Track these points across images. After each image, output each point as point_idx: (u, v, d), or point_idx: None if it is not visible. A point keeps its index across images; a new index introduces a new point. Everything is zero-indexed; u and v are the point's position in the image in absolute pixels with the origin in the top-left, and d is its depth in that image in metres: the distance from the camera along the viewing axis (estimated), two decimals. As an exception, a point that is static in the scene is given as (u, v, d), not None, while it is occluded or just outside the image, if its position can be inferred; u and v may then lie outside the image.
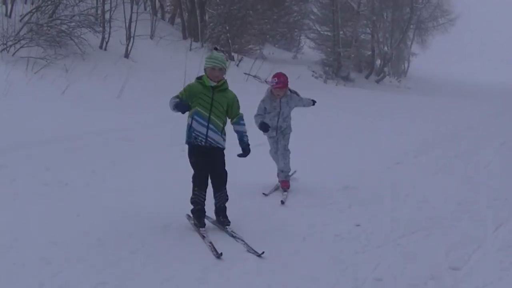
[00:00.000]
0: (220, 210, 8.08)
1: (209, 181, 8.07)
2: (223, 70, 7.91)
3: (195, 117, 7.85)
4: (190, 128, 7.90)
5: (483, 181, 11.75)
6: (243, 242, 7.37)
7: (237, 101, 8.12)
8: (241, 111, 8.16)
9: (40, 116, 13.68)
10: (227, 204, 8.10)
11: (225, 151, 8.07)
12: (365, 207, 9.46)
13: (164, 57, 25.12)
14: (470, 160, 13.91)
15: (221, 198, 8.06)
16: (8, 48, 17.97)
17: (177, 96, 7.88)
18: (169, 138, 13.69)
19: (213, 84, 7.84)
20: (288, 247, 7.38)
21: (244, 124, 8.16)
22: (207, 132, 7.85)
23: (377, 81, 45.49)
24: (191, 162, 8.03)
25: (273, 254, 7.08)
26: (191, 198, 8.00)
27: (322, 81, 35.58)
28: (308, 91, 26.46)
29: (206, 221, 8.04)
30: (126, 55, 23.08)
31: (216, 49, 8.18)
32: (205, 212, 8.02)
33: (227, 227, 7.92)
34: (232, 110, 8.04)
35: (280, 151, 10.36)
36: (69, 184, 9.59)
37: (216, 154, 7.97)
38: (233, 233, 7.71)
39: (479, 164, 13.50)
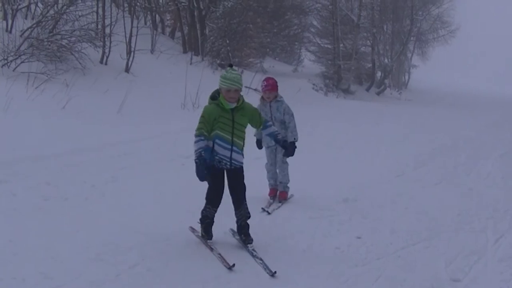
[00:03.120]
0: (242, 228, 7.94)
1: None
2: (239, 91, 7.71)
3: (217, 141, 7.65)
4: (212, 151, 7.67)
5: (483, 192, 11.76)
6: (261, 261, 7.23)
7: (259, 112, 8.10)
8: None
9: (41, 130, 13.69)
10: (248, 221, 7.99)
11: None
12: (366, 219, 9.47)
13: (165, 71, 25.16)
14: (470, 171, 13.91)
15: (242, 215, 7.91)
16: (8, 63, 18.00)
17: (200, 132, 7.53)
18: (169, 152, 13.72)
19: (232, 106, 7.65)
20: (288, 259, 7.38)
21: (271, 126, 8.18)
22: (231, 154, 7.70)
23: (378, 93, 45.45)
24: (208, 181, 7.75)
25: (273, 266, 7.06)
26: (202, 211, 7.94)
27: (322, 94, 35.56)
28: (309, 104, 26.62)
29: (234, 238, 8.03)
30: (127, 70, 23.11)
31: (231, 66, 8.00)
32: (212, 225, 7.95)
33: (249, 245, 7.76)
34: (255, 120, 7.95)
35: (278, 164, 10.43)
36: (69, 199, 9.59)
37: (236, 173, 7.85)
38: (253, 252, 7.55)
39: (479, 175, 13.51)
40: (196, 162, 7.45)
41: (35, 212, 8.75)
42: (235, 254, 7.54)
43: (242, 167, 7.89)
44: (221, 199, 7.90)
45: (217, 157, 7.68)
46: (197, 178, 7.51)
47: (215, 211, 7.92)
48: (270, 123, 8.19)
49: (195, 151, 7.49)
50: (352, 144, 17.37)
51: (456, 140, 19.28)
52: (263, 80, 10.49)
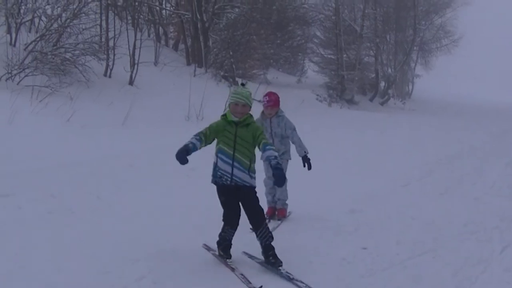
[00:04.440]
0: (268, 249, 7.60)
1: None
2: (246, 106, 7.62)
3: (220, 155, 7.60)
4: (215, 167, 7.65)
5: (489, 202, 11.72)
6: (304, 285, 6.96)
7: (262, 131, 7.74)
8: None
9: (45, 143, 13.72)
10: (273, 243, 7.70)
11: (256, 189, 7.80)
12: (372, 230, 9.44)
13: (168, 83, 25.20)
14: (476, 181, 13.88)
15: (264, 236, 7.61)
16: (13, 77, 18.07)
17: (200, 133, 7.63)
18: (174, 164, 13.67)
19: (235, 119, 7.58)
20: (294, 270, 7.34)
21: (270, 149, 7.51)
22: (232, 170, 7.55)
23: (382, 104, 45.47)
24: (220, 202, 7.76)
25: (280, 277, 7.05)
26: (220, 234, 7.76)
27: (326, 105, 35.59)
28: (312, 114, 26.62)
29: (253, 261, 7.80)
30: (131, 82, 23.17)
31: (243, 84, 7.88)
32: (230, 245, 7.75)
33: (280, 268, 7.41)
34: (257, 140, 7.60)
35: None
36: (74, 211, 9.59)
37: (245, 193, 7.66)
38: (288, 275, 7.24)
39: (485, 184, 13.48)
40: (176, 155, 7.53)
41: (41, 225, 8.75)
42: (255, 273, 7.45)
43: (251, 187, 7.68)
44: (238, 220, 7.73)
45: (219, 173, 7.61)
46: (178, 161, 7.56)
47: (233, 233, 7.74)
48: (270, 147, 7.57)
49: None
50: (356, 154, 17.35)
51: (461, 150, 19.25)
52: (265, 95, 10.16)
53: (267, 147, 7.54)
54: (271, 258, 7.56)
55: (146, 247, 7.95)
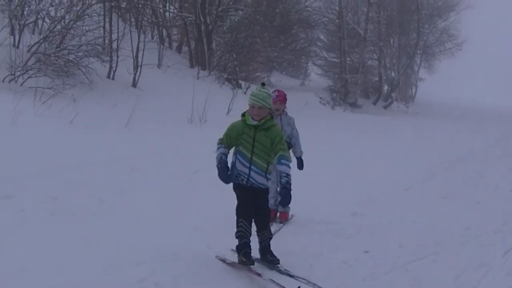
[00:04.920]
0: (266, 249, 7.78)
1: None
2: (263, 109, 7.51)
3: (238, 156, 7.61)
4: (233, 166, 7.64)
5: (491, 205, 11.73)
6: (306, 281, 7.02)
7: (281, 138, 7.59)
8: None
9: (48, 145, 13.71)
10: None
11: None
12: (373, 233, 9.46)
13: (172, 85, 25.20)
14: (478, 185, 13.89)
15: (265, 236, 7.78)
16: (16, 79, 18.07)
17: (220, 141, 7.66)
18: (177, 166, 13.72)
19: (254, 123, 7.52)
20: (295, 274, 7.34)
21: (285, 164, 7.43)
22: (249, 172, 7.55)
23: (385, 107, 45.46)
24: (236, 194, 7.74)
25: (279, 281, 7.05)
26: (236, 232, 7.64)
27: (329, 108, 35.60)
28: (315, 117, 26.63)
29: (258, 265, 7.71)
30: (134, 84, 23.17)
31: (263, 84, 7.83)
32: (250, 248, 7.62)
33: (278, 265, 7.57)
34: (274, 148, 7.52)
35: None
36: (77, 213, 9.58)
37: (258, 194, 7.69)
38: (288, 272, 7.36)
39: (487, 188, 13.48)
40: (218, 167, 7.51)
41: (43, 227, 8.74)
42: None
43: (266, 190, 7.74)
44: (251, 213, 7.69)
45: (236, 172, 7.61)
46: (222, 182, 7.61)
47: (250, 230, 7.66)
48: (285, 162, 7.45)
49: (216, 157, 7.56)
50: (359, 157, 17.36)
51: (464, 153, 19.26)
52: (273, 92, 10.22)
53: (282, 161, 7.45)
54: (269, 256, 7.72)
55: (148, 250, 7.94)
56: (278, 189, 8.16)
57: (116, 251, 7.81)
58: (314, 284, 6.80)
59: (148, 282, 6.87)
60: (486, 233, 9.59)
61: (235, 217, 7.67)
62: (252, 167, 7.53)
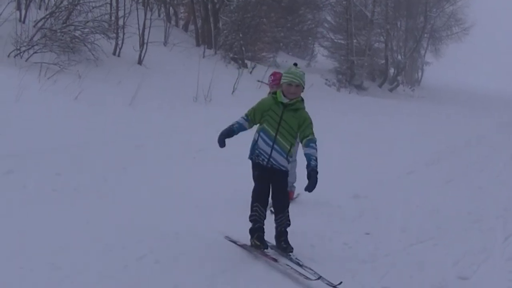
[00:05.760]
0: (282, 234, 7.54)
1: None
2: (300, 87, 7.34)
3: (262, 134, 7.40)
4: (255, 144, 7.45)
5: (494, 191, 11.74)
6: (312, 271, 6.85)
7: (310, 122, 7.39)
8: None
9: (52, 121, 13.71)
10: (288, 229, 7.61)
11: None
12: (376, 216, 9.46)
13: (177, 64, 25.19)
14: (481, 170, 13.89)
15: (283, 221, 7.52)
16: (21, 54, 18.07)
17: (244, 115, 7.52)
18: (181, 145, 13.71)
19: (285, 101, 7.31)
20: (296, 254, 7.34)
21: (314, 148, 7.23)
22: (271, 152, 7.34)
23: (391, 90, 45.42)
24: (253, 175, 7.60)
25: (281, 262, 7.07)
26: (250, 216, 7.54)
27: (335, 89, 35.58)
28: (321, 99, 26.58)
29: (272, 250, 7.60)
30: (140, 62, 23.17)
31: (295, 64, 7.66)
32: (264, 232, 7.55)
33: (290, 254, 7.37)
34: (303, 132, 7.32)
35: None
36: (80, 190, 9.59)
37: (278, 176, 7.49)
38: (298, 261, 7.22)
39: (490, 174, 13.48)
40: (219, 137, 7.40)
41: (46, 203, 8.74)
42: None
43: (286, 172, 7.54)
44: (267, 197, 7.58)
45: (257, 151, 7.42)
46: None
47: (264, 214, 7.55)
48: (314, 146, 7.27)
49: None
50: (363, 140, 17.34)
51: (469, 139, 19.23)
52: (271, 75, 10.12)
53: (311, 144, 7.26)
54: (283, 243, 7.50)
55: (149, 228, 7.94)
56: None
57: (117, 229, 7.82)
58: (322, 278, 6.63)
59: (148, 260, 6.88)
60: (487, 219, 9.60)
61: (249, 200, 7.59)
62: (275, 146, 7.33)
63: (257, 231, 7.49)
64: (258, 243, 7.44)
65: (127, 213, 8.59)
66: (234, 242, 7.74)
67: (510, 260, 7.64)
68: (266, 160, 7.37)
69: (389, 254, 7.68)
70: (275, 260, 7.14)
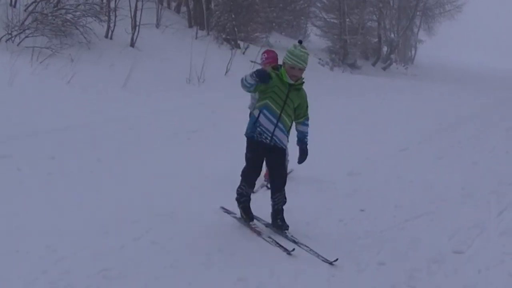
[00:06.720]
0: (278, 213, 7.55)
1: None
2: (303, 70, 7.29)
3: (264, 111, 7.30)
4: (256, 121, 7.35)
5: (488, 166, 11.73)
6: (308, 249, 6.93)
7: (307, 104, 7.54)
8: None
9: (45, 105, 13.72)
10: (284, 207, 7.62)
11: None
12: (370, 193, 9.48)
13: (170, 45, 25.13)
14: (475, 146, 13.89)
15: (280, 199, 7.54)
16: (13, 38, 18.02)
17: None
18: (175, 126, 13.73)
19: (291, 81, 7.25)
20: (292, 232, 7.35)
21: (308, 125, 7.56)
22: (274, 130, 7.31)
23: (384, 68, 45.43)
24: (246, 156, 7.57)
25: (277, 239, 7.12)
26: (238, 189, 7.66)
27: (328, 69, 35.57)
28: (314, 78, 26.48)
29: (260, 223, 7.72)
30: (132, 44, 23.11)
31: (300, 42, 7.50)
32: (250, 201, 7.68)
33: (286, 231, 7.41)
34: (301, 110, 7.45)
35: None
36: (74, 173, 9.61)
37: (277, 154, 7.50)
38: (294, 238, 7.24)
39: (484, 149, 13.47)
40: (253, 73, 7.16)
41: (40, 186, 8.78)
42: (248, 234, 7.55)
43: (284, 150, 7.61)
44: (255, 180, 7.69)
45: (259, 129, 7.34)
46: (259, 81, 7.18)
47: (250, 193, 7.69)
48: (308, 124, 7.58)
49: (245, 78, 7.23)
50: (357, 118, 17.35)
51: (462, 116, 19.22)
52: (263, 53, 9.93)
53: (306, 122, 7.54)
54: (278, 221, 7.53)
55: (145, 209, 7.96)
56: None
57: (113, 211, 7.85)
58: (318, 255, 6.75)
59: (144, 240, 6.90)
60: (481, 193, 9.60)
61: (239, 178, 7.66)
62: (279, 124, 7.30)
63: (243, 203, 7.65)
64: (244, 215, 7.63)
65: (122, 194, 8.62)
66: (228, 212, 7.91)
67: (504, 234, 7.66)
68: (269, 138, 7.35)
69: (384, 230, 7.70)
70: (259, 233, 7.30)
